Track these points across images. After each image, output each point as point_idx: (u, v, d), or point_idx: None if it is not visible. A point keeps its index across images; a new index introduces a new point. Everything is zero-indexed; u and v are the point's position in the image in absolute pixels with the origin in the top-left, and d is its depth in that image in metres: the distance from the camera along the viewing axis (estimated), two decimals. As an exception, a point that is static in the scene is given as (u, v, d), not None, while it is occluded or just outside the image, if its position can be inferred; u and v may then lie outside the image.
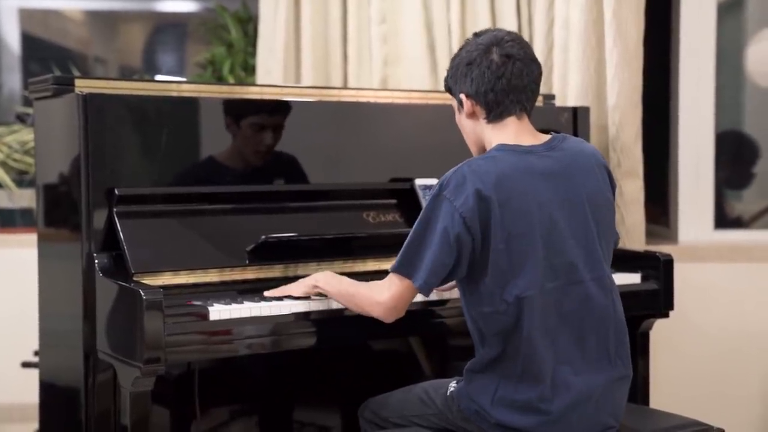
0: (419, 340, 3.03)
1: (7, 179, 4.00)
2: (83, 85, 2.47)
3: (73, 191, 2.45)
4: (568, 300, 2.16)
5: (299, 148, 2.74)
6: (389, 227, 2.75)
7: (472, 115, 2.25)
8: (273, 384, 2.87)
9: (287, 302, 2.37)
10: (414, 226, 2.16)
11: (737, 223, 4.06)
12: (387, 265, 2.62)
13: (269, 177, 2.73)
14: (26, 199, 4.10)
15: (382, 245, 2.68)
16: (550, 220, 2.14)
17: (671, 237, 3.87)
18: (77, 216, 2.42)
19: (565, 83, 3.49)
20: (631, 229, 3.41)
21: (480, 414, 2.18)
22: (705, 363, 3.67)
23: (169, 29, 5.03)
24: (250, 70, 4.13)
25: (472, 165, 2.13)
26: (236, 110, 2.65)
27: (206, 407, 2.70)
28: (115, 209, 2.40)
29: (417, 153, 2.89)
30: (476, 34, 2.27)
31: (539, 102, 3.22)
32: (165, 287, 2.29)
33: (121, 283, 2.26)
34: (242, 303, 2.33)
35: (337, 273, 2.48)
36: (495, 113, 2.21)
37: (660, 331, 3.15)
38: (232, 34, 4.23)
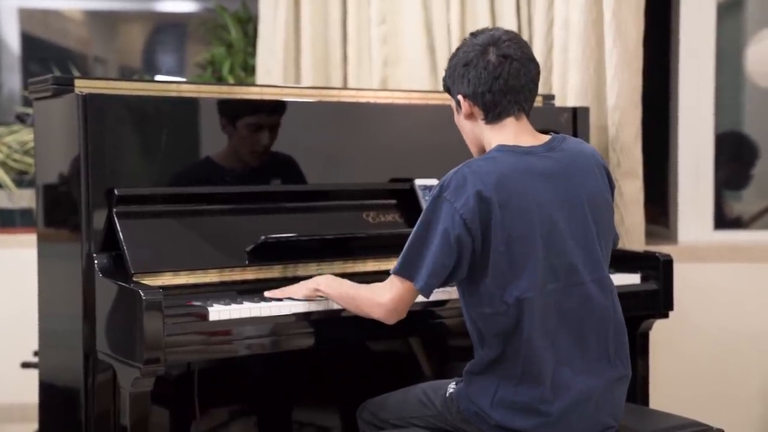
0: (419, 341, 3.03)
1: (6, 179, 4.00)
2: (83, 86, 2.47)
3: (73, 191, 2.45)
4: (569, 301, 2.15)
5: (299, 148, 2.74)
6: (389, 227, 2.75)
7: (470, 116, 2.25)
8: (272, 384, 2.87)
9: (287, 303, 2.37)
10: (415, 228, 2.16)
11: (737, 223, 4.06)
12: (387, 265, 2.63)
13: (269, 177, 2.73)
14: (26, 199, 4.10)
15: (382, 246, 2.68)
16: (550, 220, 2.14)
17: (671, 237, 3.87)
18: (77, 216, 2.41)
19: (564, 83, 3.49)
20: (631, 229, 3.41)
21: (480, 415, 2.18)
22: (705, 363, 3.67)
23: (168, 29, 5.03)
24: (249, 70, 4.13)
25: (473, 166, 2.13)
26: (236, 111, 2.65)
27: (206, 407, 2.70)
28: (114, 209, 2.40)
29: (417, 153, 2.89)
30: (473, 34, 2.26)
31: (539, 102, 3.23)
32: (165, 287, 2.29)
33: (120, 283, 2.25)
34: (242, 303, 2.33)
35: (336, 273, 2.48)
36: (493, 114, 2.21)
37: (660, 332, 3.15)
38: (232, 34, 4.23)
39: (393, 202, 2.82)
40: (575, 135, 3.14)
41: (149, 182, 2.51)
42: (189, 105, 2.60)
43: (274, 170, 2.74)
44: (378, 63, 3.64)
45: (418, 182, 2.82)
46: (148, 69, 4.80)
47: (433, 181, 2.81)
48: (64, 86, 2.48)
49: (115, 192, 2.40)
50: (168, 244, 2.45)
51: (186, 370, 2.64)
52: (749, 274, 3.70)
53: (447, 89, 2.30)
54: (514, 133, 2.21)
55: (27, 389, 3.05)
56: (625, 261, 2.91)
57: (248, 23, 4.26)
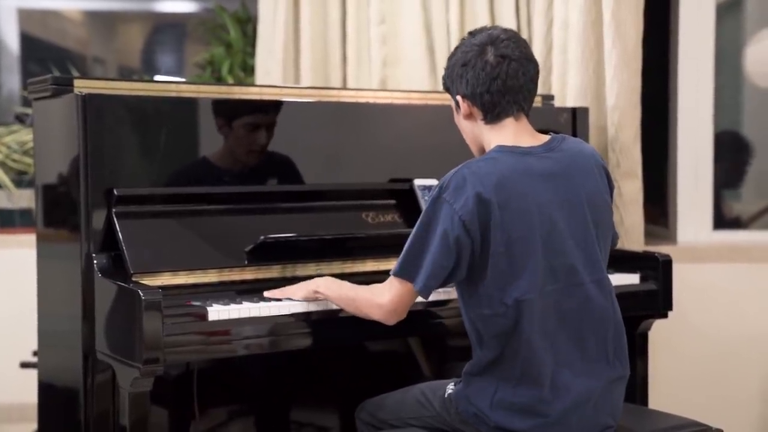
0: (418, 341, 3.03)
1: (6, 180, 4.00)
2: (82, 86, 2.47)
3: (72, 191, 2.45)
4: (568, 302, 2.15)
5: (298, 148, 2.74)
6: (388, 228, 2.75)
7: (469, 116, 2.25)
8: (271, 384, 2.88)
9: (286, 303, 2.37)
10: (414, 229, 2.16)
11: (736, 223, 4.06)
12: (386, 265, 2.63)
13: (268, 177, 2.73)
14: (25, 199, 4.10)
15: (381, 246, 2.68)
16: (550, 221, 2.14)
17: (670, 237, 3.87)
18: (76, 216, 2.41)
19: (564, 84, 3.50)
20: (630, 229, 3.42)
21: (479, 417, 2.17)
22: (704, 363, 3.68)
23: (168, 29, 5.03)
24: (249, 70, 4.13)
25: (472, 167, 2.13)
26: (235, 111, 2.65)
27: (205, 407, 2.70)
28: (114, 210, 2.40)
29: (416, 153, 2.89)
30: (471, 33, 2.25)
31: (538, 102, 3.23)
32: (164, 287, 2.29)
33: (120, 283, 2.25)
34: (241, 303, 2.33)
35: (336, 274, 2.49)
36: (492, 115, 2.21)
37: (659, 332, 3.15)
38: (231, 34, 4.23)
39: (392, 202, 2.82)
40: (574, 135, 3.13)
41: (148, 182, 2.51)
42: (188, 105, 2.60)
43: (273, 170, 2.74)
44: (377, 63, 3.64)
45: (418, 182, 2.82)
46: (148, 69, 4.80)
47: (433, 182, 2.81)
48: (64, 86, 2.48)
49: (115, 192, 2.40)
50: (167, 244, 2.45)
51: (185, 370, 2.64)
52: (748, 275, 3.70)
53: (446, 89, 2.30)
54: (513, 133, 2.21)
55: (26, 389, 3.05)
56: (624, 261, 2.91)
57: (247, 23, 4.26)
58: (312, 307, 2.38)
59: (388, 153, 2.87)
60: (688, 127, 3.81)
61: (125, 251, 2.36)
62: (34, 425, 2.82)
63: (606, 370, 2.19)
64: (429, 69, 3.62)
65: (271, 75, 3.74)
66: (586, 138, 3.18)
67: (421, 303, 2.45)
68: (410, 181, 2.82)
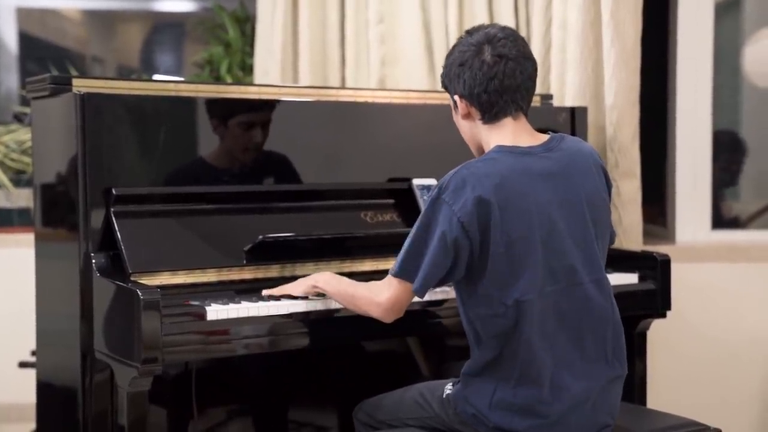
0: (416, 341, 3.03)
1: (4, 179, 4.00)
2: (81, 85, 2.47)
3: (71, 191, 2.45)
4: (568, 302, 2.15)
5: (297, 148, 2.73)
6: (387, 227, 2.75)
7: (467, 115, 2.24)
8: (270, 384, 2.87)
9: (285, 302, 2.37)
10: (413, 229, 2.16)
11: (735, 223, 4.07)
12: (385, 265, 2.63)
13: (266, 177, 2.73)
14: (23, 198, 4.10)
15: (380, 245, 2.68)
16: (550, 221, 2.13)
17: (669, 237, 3.87)
18: (75, 216, 2.41)
19: (562, 83, 3.50)
20: (629, 229, 3.42)
21: (477, 417, 2.17)
22: (702, 363, 3.68)
23: (166, 29, 5.03)
24: (247, 70, 4.12)
25: (471, 168, 2.12)
26: (234, 110, 2.64)
27: (203, 407, 2.70)
28: (112, 209, 2.40)
29: (415, 153, 2.89)
30: (469, 32, 2.24)
31: (537, 102, 3.23)
32: (162, 287, 2.29)
33: (118, 282, 2.25)
34: (240, 303, 2.33)
35: (335, 273, 2.48)
36: (490, 114, 2.20)
37: (657, 332, 3.15)
38: (230, 33, 4.23)
39: (391, 201, 2.82)
40: (573, 135, 3.13)
41: (147, 182, 2.50)
42: (187, 104, 2.60)
43: (272, 170, 2.73)
44: (376, 63, 3.64)
45: (416, 182, 2.82)
46: (146, 68, 4.80)
47: (432, 181, 2.81)
48: (62, 85, 2.48)
49: (113, 191, 2.40)
50: (166, 244, 2.45)
51: (184, 369, 2.64)
52: (747, 274, 3.71)
53: (445, 87, 2.30)
54: (512, 132, 2.20)
55: (24, 389, 3.05)
56: (622, 261, 2.91)
57: (246, 23, 4.26)
58: (311, 307, 2.38)
59: (387, 152, 2.87)
60: (687, 127, 3.81)
61: (124, 251, 2.36)
62: (33, 425, 2.82)
63: (605, 369, 2.19)
64: (428, 68, 3.62)
65: (270, 74, 3.74)
66: (584, 137, 3.19)
67: (420, 302, 2.45)
68: (409, 180, 2.82)
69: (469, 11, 3.61)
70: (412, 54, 3.63)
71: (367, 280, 2.36)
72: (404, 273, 2.16)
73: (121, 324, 2.22)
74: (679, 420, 2.41)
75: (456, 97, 2.24)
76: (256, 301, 2.36)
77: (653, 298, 2.88)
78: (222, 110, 2.62)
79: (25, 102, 4.22)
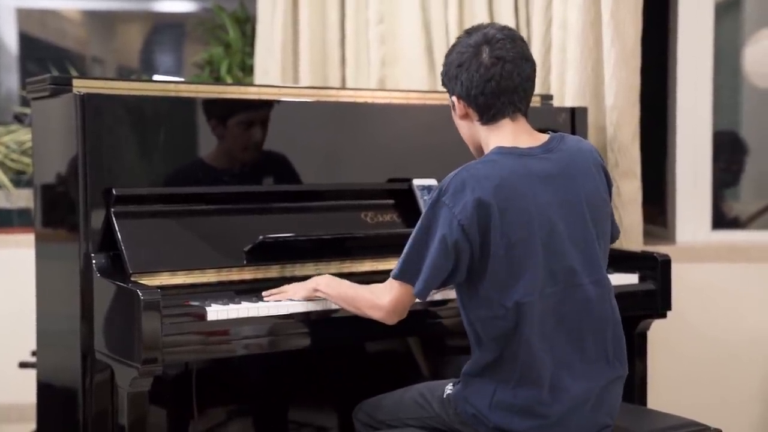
0: (416, 341, 3.03)
1: (4, 179, 4.00)
2: (81, 85, 2.47)
3: (71, 191, 2.45)
4: (568, 304, 2.15)
5: (297, 148, 2.73)
6: (387, 227, 2.75)
7: (465, 116, 2.24)
8: (270, 384, 2.87)
9: (285, 303, 2.37)
10: (413, 232, 2.16)
11: (735, 223, 4.07)
12: (385, 265, 2.63)
13: (266, 177, 2.73)
14: (24, 199, 4.10)
15: (380, 245, 2.68)
16: (550, 223, 2.13)
17: (669, 237, 3.87)
18: (75, 216, 2.41)
19: (562, 83, 3.49)
20: (629, 229, 3.41)
21: (477, 417, 2.17)
22: (703, 363, 3.68)
23: (166, 29, 5.03)
24: (247, 70, 4.13)
25: (471, 170, 2.11)
26: (234, 111, 2.64)
27: (203, 407, 2.70)
28: (112, 209, 2.40)
29: (415, 153, 2.89)
30: (468, 32, 2.23)
31: (537, 102, 3.23)
32: (163, 287, 2.29)
33: (118, 283, 2.25)
34: (240, 303, 2.33)
35: (334, 273, 2.48)
36: (487, 116, 2.20)
37: (657, 332, 3.15)
38: (230, 34, 4.23)
39: (391, 202, 2.82)
40: (573, 135, 3.14)
41: (147, 182, 2.50)
42: (187, 105, 2.60)
43: (272, 170, 2.73)
44: (376, 63, 3.64)
45: (416, 182, 2.82)
46: (146, 69, 4.80)
47: (432, 181, 2.81)
48: (62, 86, 2.48)
49: (113, 192, 2.40)
50: (166, 244, 2.45)
51: (184, 370, 2.64)
52: (747, 274, 3.70)
53: (445, 86, 2.30)
54: (512, 133, 2.20)
55: (25, 389, 3.04)
56: (622, 261, 2.91)
57: (246, 23, 4.26)
58: (311, 307, 2.38)
59: (387, 153, 2.87)
60: (687, 127, 3.81)
61: (124, 251, 2.36)
62: (33, 425, 2.82)
63: (606, 370, 2.19)
64: (428, 68, 3.62)
65: (270, 75, 3.74)
66: (584, 138, 3.18)
67: (420, 303, 2.45)
68: (409, 180, 2.82)
69: (469, 11, 3.61)
70: (412, 54, 3.63)
71: (367, 281, 2.36)
72: (405, 276, 2.16)
73: (122, 324, 2.22)
74: (680, 420, 2.40)
75: (454, 98, 2.24)
76: (256, 302, 2.36)
77: (653, 298, 2.88)
78: (222, 111, 2.62)
79: (25, 102, 4.22)
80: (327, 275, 2.43)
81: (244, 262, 2.51)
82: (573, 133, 3.14)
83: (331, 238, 2.63)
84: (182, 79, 3.69)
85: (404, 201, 2.81)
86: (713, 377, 3.67)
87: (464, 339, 2.25)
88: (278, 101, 2.72)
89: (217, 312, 2.27)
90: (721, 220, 3.95)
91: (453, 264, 2.10)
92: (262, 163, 2.71)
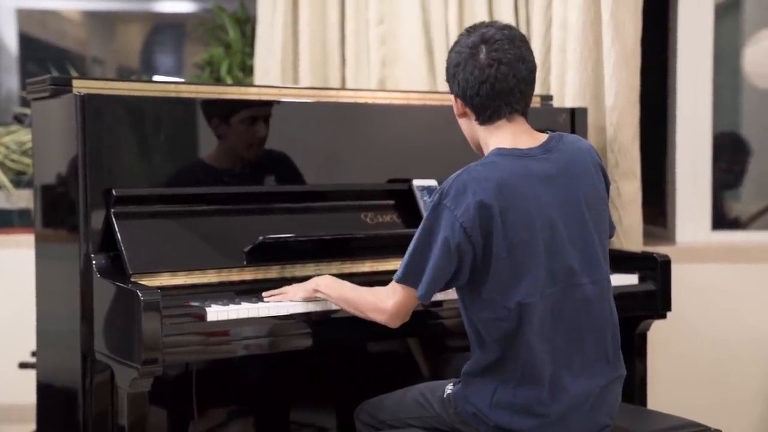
0: (417, 341, 3.03)
1: (4, 180, 4.00)
2: (81, 86, 2.47)
3: (71, 192, 2.45)
4: (567, 304, 2.15)
5: (297, 148, 2.74)
6: (387, 228, 2.75)
7: (464, 114, 2.25)
8: (270, 385, 2.87)
9: (285, 303, 2.37)
10: (416, 235, 2.16)
11: (735, 223, 4.06)
12: (385, 266, 2.63)
13: (267, 178, 2.73)
14: (24, 199, 4.10)
15: (380, 246, 2.68)
16: (551, 223, 2.13)
17: (669, 238, 3.87)
18: (75, 217, 2.41)
19: (562, 84, 3.49)
20: (629, 229, 3.41)
21: (478, 416, 2.17)
22: (702, 364, 3.67)
23: (167, 30, 5.03)
24: (248, 70, 4.13)
25: (472, 172, 2.11)
26: (234, 111, 2.65)
27: (204, 408, 2.70)
28: (112, 210, 2.40)
29: (415, 154, 2.89)
30: (468, 31, 2.23)
31: (537, 103, 3.23)
32: (163, 288, 2.29)
33: (118, 283, 2.25)
34: (240, 304, 2.33)
35: (335, 274, 2.48)
36: (484, 116, 2.20)
37: (657, 333, 3.15)
38: (230, 34, 4.23)
39: (391, 202, 2.82)
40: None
41: (147, 183, 2.50)
42: (187, 106, 2.60)
43: (272, 171, 2.73)
44: (376, 63, 3.64)
45: (417, 183, 2.82)
46: (146, 69, 4.80)
47: (432, 182, 2.81)
48: (62, 87, 2.48)
49: (113, 192, 2.40)
50: (166, 245, 2.45)
51: (184, 370, 2.64)
52: (747, 275, 3.70)
53: (448, 84, 2.30)
54: (510, 134, 2.20)
55: (25, 390, 3.04)
56: (622, 261, 2.91)
57: (246, 24, 4.26)
58: (311, 308, 2.38)
59: (387, 153, 2.87)
60: (687, 127, 3.81)
61: (124, 252, 2.36)
62: (33, 426, 2.82)
63: (606, 370, 2.19)
64: (428, 69, 3.62)
65: (270, 75, 3.74)
66: (584, 138, 3.17)
67: (421, 304, 2.45)
68: (409, 181, 2.82)
69: (470, 11, 3.61)
70: (413, 54, 3.63)
71: (367, 281, 2.36)
72: (408, 278, 2.16)
73: (122, 325, 2.22)
74: (680, 421, 2.40)
75: (452, 96, 2.25)
76: (256, 302, 2.36)
77: (653, 298, 2.88)
78: (222, 111, 2.63)
79: (25, 103, 4.21)
80: (328, 276, 2.43)
81: (244, 262, 2.51)
82: (573, 133, 3.13)
83: (331, 238, 2.63)
84: (182, 80, 3.69)
85: (404, 201, 2.81)
86: (713, 378, 3.67)
87: (464, 339, 2.25)
88: (278, 102, 2.72)
89: (217, 312, 2.27)
90: (722, 220, 3.95)
91: (456, 266, 2.10)
92: (262, 163, 2.71)
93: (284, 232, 2.56)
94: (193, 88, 2.70)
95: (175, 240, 2.47)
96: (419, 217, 2.62)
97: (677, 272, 2.97)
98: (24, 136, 4.03)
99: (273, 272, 2.55)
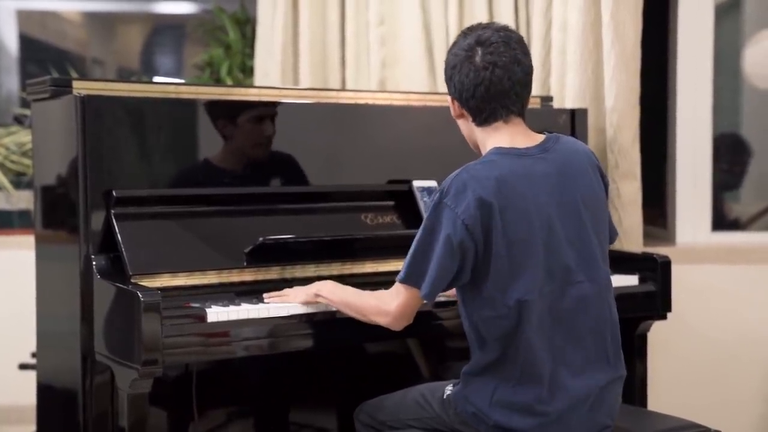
0: (417, 342, 3.03)
1: (4, 181, 4.00)
2: (81, 87, 2.47)
3: (71, 193, 2.45)
4: (565, 302, 2.16)
5: (297, 149, 2.74)
6: (387, 229, 2.75)
7: (461, 116, 2.26)
8: (270, 386, 2.87)
9: (285, 304, 2.37)
10: (417, 235, 2.16)
11: (735, 224, 4.06)
12: (385, 267, 2.63)
13: (267, 179, 2.73)
14: (24, 200, 4.10)
15: (381, 247, 2.68)
16: (549, 222, 2.14)
17: (669, 239, 3.87)
18: (75, 218, 2.41)
19: (562, 85, 3.50)
20: (629, 230, 3.41)
21: (477, 416, 2.18)
22: (703, 365, 3.67)
23: (167, 31, 5.04)
24: (248, 71, 4.13)
25: (471, 171, 2.13)
26: (234, 112, 2.65)
27: (204, 409, 2.70)
28: (112, 211, 2.40)
29: (415, 154, 2.89)
30: (464, 33, 2.24)
31: (537, 104, 3.23)
32: (163, 289, 2.29)
33: (118, 284, 2.25)
34: (240, 305, 2.33)
35: (335, 275, 2.49)
36: (480, 118, 2.21)
37: (657, 333, 3.15)
38: (230, 35, 4.23)
39: (391, 203, 2.82)
40: (573, 137, 3.13)
41: (147, 184, 2.50)
42: (187, 107, 2.60)
43: (272, 172, 2.74)
44: (376, 64, 3.64)
45: (417, 184, 2.82)
46: (146, 70, 4.80)
47: (432, 183, 2.81)
48: (62, 88, 2.48)
49: (113, 193, 2.40)
50: (166, 246, 2.45)
51: (184, 371, 2.64)
52: (747, 276, 3.70)
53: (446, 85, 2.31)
54: (508, 135, 2.21)
55: (25, 391, 3.04)
56: (623, 262, 2.91)
57: (246, 25, 4.26)
58: (311, 309, 2.38)
59: (387, 154, 2.87)
60: (687, 129, 3.81)
61: (124, 253, 2.36)
62: (33, 427, 2.82)
63: (606, 370, 2.20)
64: (428, 70, 3.62)
65: (270, 76, 3.74)
66: (584, 139, 3.18)
67: (422, 305, 2.44)
68: (409, 182, 2.82)
69: (470, 13, 3.61)
70: (413, 56, 3.63)
71: (367, 282, 2.36)
72: (411, 278, 2.16)
73: (122, 326, 2.22)
74: (680, 422, 2.40)
75: (449, 98, 2.26)
76: (256, 303, 2.36)
77: (653, 299, 2.88)
78: (222, 112, 2.63)
79: (25, 104, 4.22)
80: (330, 281, 2.43)
81: (245, 263, 2.51)
82: (573, 134, 3.14)
83: (331, 239, 2.63)
84: (182, 81, 3.69)
85: (404, 202, 2.81)
86: (713, 378, 3.67)
87: (464, 341, 2.25)
88: (278, 103, 2.72)
89: (217, 313, 2.27)
90: (722, 221, 3.95)
91: (459, 265, 2.11)
92: (261, 164, 2.71)
93: (284, 233, 2.56)
94: (193, 89, 2.70)
95: (175, 241, 2.47)
96: (419, 218, 2.62)
97: (677, 273, 2.97)
98: (24, 137, 4.03)
99: (273, 273, 2.55)
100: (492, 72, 2.15)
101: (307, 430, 2.95)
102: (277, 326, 2.35)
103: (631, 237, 3.41)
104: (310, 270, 2.58)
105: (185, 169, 2.59)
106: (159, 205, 2.50)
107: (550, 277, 2.14)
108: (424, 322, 2.55)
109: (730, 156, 4.04)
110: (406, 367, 3.07)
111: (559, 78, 3.50)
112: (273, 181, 2.74)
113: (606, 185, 2.30)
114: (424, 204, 2.76)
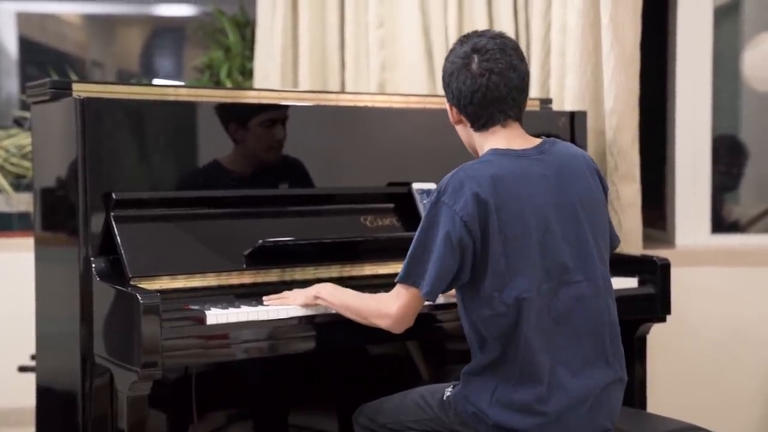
0: (416, 345, 3.03)
1: (4, 183, 4.00)
2: (81, 89, 2.47)
3: (71, 195, 2.45)
4: (562, 301, 2.16)
5: (296, 152, 2.74)
6: (387, 231, 2.75)
7: (459, 122, 2.29)
8: (270, 388, 2.87)
9: (284, 306, 2.37)
10: (416, 235, 2.17)
11: (734, 227, 4.07)
12: (385, 269, 2.63)
13: (266, 181, 2.73)
14: (23, 203, 4.10)
15: (380, 249, 2.68)
16: (545, 222, 2.15)
17: (668, 241, 3.87)
18: (74, 220, 2.41)
19: (562, 87, 3.50)
20: (629, 233, 3.42)
21: (477, 416, 2.18)
22: (702, 367, 3.68)
23: (166, 33, 5.04)
24: (247, 74, 4.13)
25: (468, 170, 2.15)
26: (234, 115, 2.65)
27: (203, 411, 2.70)
28: (112, 213, 2.40)
29: (415, 157, 2.89)
30: (461, 41, 2.27)
31: (536, 106, 3.23)
32: (162, 291, 2.29)
33: (118, 287, 2.25)
34: (239, 307, 2.33)
35: (334, 277, 2.49)
36: (478, 124, 2.24)
37: (657, 336, 3.15)
38: (230, 38, 4.23)
39: (391, 206, 2.82)
40: (572, 139, 3.15)
41: (147, 186, 2.51)
42: (186, 109, 2.60)
43: (271, 174, 2.74)
44: (376, 67, 3.64)
45: (416, 186, 2.82)
46: (146, 73, 4.81)
47: (431, 185, 2.81)
48: (62, 90, 2.48)
49: (113, 196, 2.40)
50: (165, 248, 2.45)
51: (183, 373, 2.64)
52: (747, 278, 3.70)
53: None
54: (505, 138, 2.23)
55: (24, 393, 3.04)
56: (622, 265, 2.91)
57: (246, 27, 4.26)
58: (311, 311, 2.38)
59: (387, 157, 2.87)
60: (686, 131, 3.81)
61: (123, 255, 2.36)
62: (32, 429, 2.82)
63: (605, 370, 2.20)
64: (427, 72, 3.63)
65: (270, 79, 3.74)
66: (584, 141, 3.19)
67: (422, 306, 2.45)
68: (409, 184, 2.83)
69: (469, 15, 3.62)
70: (412, 58, 3.63)
71: (367, 285, 2.36)
72: (410, 278, 2.16)
73: (121, 328, 2.22)
74: (680, 424, 2.41)
75: (447, 104, 2.28)
76: (256, 306, 2.36)
77: (653, 302, 2.88)
78: (221, 115, 2.63)
79: (25, 106, 4.22)
80: (330, 284, 2.43)
81: (244, 266, 2.51)
82: (572, 136, 3.15)
83: (330, 242, 2.63)
84: (182, 83, 3.70)
85: (404, 205, 2.81)
86: (713, 381, 3.67)
87: (464, 343, 2.25)
88: (278, 105, 2.73)
89: (216, 316, 2.27)
90: (721, 223, 3.95)
91: (458, 263, 2.11)
92: (260, 166, 2.71)
93: (284, 235, 2.57)
94: (192, 91, 2.70)
95: (175, 243, 2.47)
96: (419, 220, 2.61)
97: (677, 275, 2.98)
98: (24, 139, 4.04)
99: (273, 275, 2.55)
100: (489, 78, 2.18)
101: (307, 432, 2.95)
102: (276, 328, 2.35)
103: (630, 239, 3.42)
104: (309, 272, 2.58)
105: (184, 171, 2.59)
106: (158, 208, 2.50)
107: (548, 275, 2.15)
108: (423, 325, 2.55)
109: (728, 158, 4.04)
110: (405, 369, 3.07)
111: (558, 80, 3.51)
112: (272, 183, 2.74)
113: (605, 189, 2.31)
114: (423, 206, 2.76)
